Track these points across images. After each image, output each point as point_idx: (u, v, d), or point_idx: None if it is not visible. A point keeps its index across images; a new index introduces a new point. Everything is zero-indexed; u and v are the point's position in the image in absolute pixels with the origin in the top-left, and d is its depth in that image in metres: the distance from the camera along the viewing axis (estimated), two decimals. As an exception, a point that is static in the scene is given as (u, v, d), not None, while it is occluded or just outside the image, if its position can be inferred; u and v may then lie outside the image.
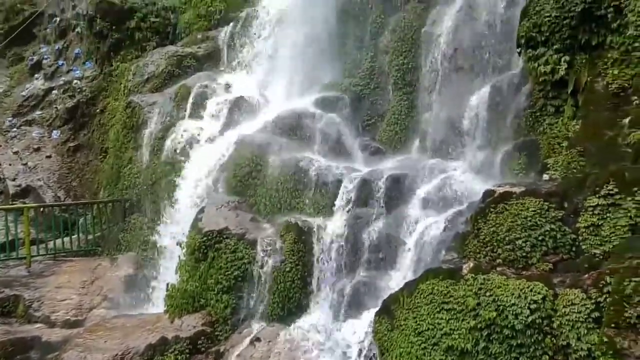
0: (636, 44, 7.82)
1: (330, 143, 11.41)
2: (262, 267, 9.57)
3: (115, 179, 13.83)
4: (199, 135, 12.44)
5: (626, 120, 7.86)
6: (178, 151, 12.39)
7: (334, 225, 9.57)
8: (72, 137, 16.15)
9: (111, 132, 14.80)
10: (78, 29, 16.90)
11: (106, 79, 16.03)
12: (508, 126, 9.70)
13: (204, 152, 12.05)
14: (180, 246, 10.46)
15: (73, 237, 13.45)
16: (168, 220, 11.82)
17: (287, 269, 9.41)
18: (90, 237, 13.53)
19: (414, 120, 11.51)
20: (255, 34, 14.22)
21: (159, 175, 12.52)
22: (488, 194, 8.06)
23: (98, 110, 15.95)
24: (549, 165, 8.65)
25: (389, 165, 10.58)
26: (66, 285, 11.50)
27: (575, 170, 8.05)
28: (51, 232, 13.46)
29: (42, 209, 13.95)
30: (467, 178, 9.50)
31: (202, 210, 10.66)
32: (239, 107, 12.66)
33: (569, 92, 8.88)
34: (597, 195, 7.21)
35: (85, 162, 15.81)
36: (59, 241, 13.30)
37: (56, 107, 16.34)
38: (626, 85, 8.14)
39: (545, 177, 8.51)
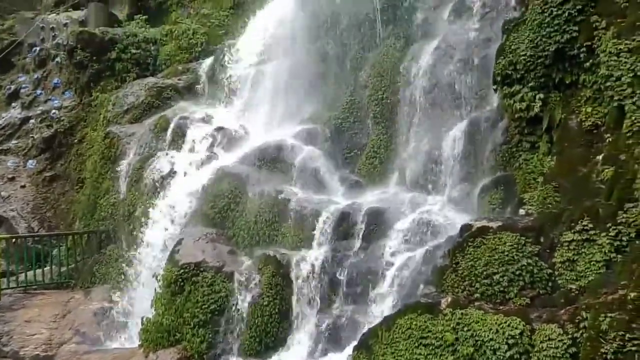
0: (608, 83, 8.03)
1: (310, 175, 11.41)
2: (239, 301, 9.45)
3: (92, 210, 13.65)
4: (177, 166, 12.37)
5: (599, 157, 8.03)
6: (156, 182, 12.28)
7: (313, 259, 9.53)
8: (49, 166, 15.96)
9: (89, 163, 14.67)
10: (58, 59, 16.87)
11: (85, 109, 15.96)
12: (485, 161, 9.84)
13: (182, 183, 11.96)
14: (157, 279, 10.29)
15: (45, 269, 13.16)
16: (144, 252, 11.65)
17: (265, 303, 9.31)
18: (63, 269, 13.25)
19: (393, 154, 11.59)
20: (236, 66, 14.30)
21: (136, 206, 12.38)
22: (466, 228, 8.13)
23: (76, 140, 15.82)
24: (525, 200, 8.77)
25: (368, 198, 10.60)
26: (36, 319, 11.21)
27: (550, 206, 8.17)
28: (23, 264, 13.16)
29: (14, 240, 13.65)
30: (445, 212, 9.57)
31: (179, 242, 10.54)
32: (218, 139, 12.66)
33: (544, 128, 9.08)
34: (572, 231, 7.33)
35: (61, 192, 15.59)
36: (30, 273, 13.00)
37: (33, 137, 16.18)
38: (599, 123, 8.35)
39: (522, 212, 8.63)
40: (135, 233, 12.06)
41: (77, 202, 14.92)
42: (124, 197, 12.88)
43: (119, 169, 13.24)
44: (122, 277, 11.89)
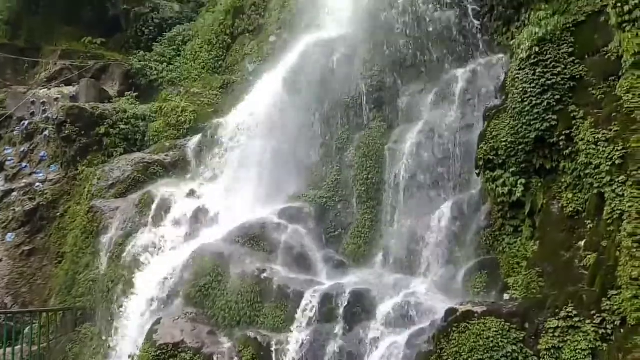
0: (587, 171, 8.22)
1: (294, 255, 11.31)
2: (217, 385, 9.12)
3: (69, 286, 13.33)
4: (160, 242, 12.25)
5: (581, 243, 8.11)
6: (137, 258, 12.10)
7: (294, 342, 9.29)
8: (28, 240, 15.65)
9: (70, 237, 14.46)
10: (46, 133, 16.96)
11: (70, 183, 15.90)
12: (469, 244, 9.88)
13: (163, 260, 11.81)
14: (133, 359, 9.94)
15: (16, 347, 12.64)
16: (122, 331, 11.30)
17: (244, 388, 8.98)
18: (35, 348, 12.73)
19: (378, 235, 11.60)
20: (223, 144, 14.46)
21: (116, 283, 12.12)
22: (450, 312, 8.05)
23: (58, 214, 15.63)
24: (509, 285, 8.75)
25: (352, 279, 10.50)
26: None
27: (535, 291, 8.15)
28: (-7, 342, 12.64)
29: (-16, 317, 13.16)
30: (430, 295, 9.48)
31: (158, 322, 10.28)
32: (202, 216, 12.61)
33: (527, 213, 9.18)
34: (557, 317, 7.27)
35: (39, 267, 15.22)
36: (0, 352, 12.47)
37: (14, 210, 15.99)
38: (580, 209, 8.47)
39: (506, 296, 8.58)
40: (113, 310, 11.74)
41: (54, 277, 14.56)
42: (104, 272, 12.63)
43: (100, 244, 13.05)
44: (97, 357, 11.45)
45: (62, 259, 14.54)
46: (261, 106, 13.88)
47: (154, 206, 13.07)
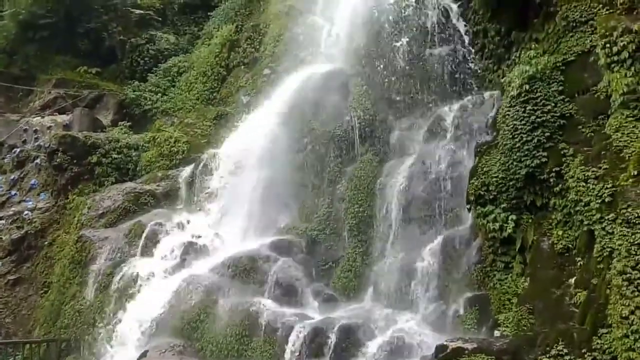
0: (577, 208, 8.26)
1: (283, 288, 11.22)
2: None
3: (55, 317, 13.10)
4: (149, 273, 12.11)
5: (572, 280, 8.10)
6: (125, 289, 11.95)
7: (283, 378, 9.15)
8: (14, 269, 15.41)
9: (57, 266, 14.28)
10: (37, 161, 16.90)
11: (59, 212, 15.77)
12: (460, 279, 9.84)
13: (152, 292, 11.66)
14: (116, 394, 9.73)
15: (-2, 379, 12.37)
16: (107, 363, 11.10)
17: None
18: (16, 380, 12.46)
19: (368, 268, 11.54)
20: (215, 175, 14.46)
21: (102, 314, 11.94)
22: (440, 349, 7.97)
23: (46, 243, 15.45)
24: (500, 321, 8.70)
25: (342, 314, 10.40)
26: None
27: (525, 328, 8.10)
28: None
29: (-35, 348, 12.87)
30: (420, 331, 9.39)
31: (144, 354, 10.13)
32: (192, 247, 12.53)
33: (517, 249, 9.18)
34: (547, 355, 7.23)
35: (24, 297, 14.96)
36: (-21, 383, 12.18)
37: (1, 238, 15.80)
38: (570, 246, 8.49)
39: (497, 333, 8.52)
40: (98, 342, 11.54)
41: (39, 307, 14.31)
42: (90, 303, 12.44)
43: (88, 274, 12.89)
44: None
45: (48, 289, 14.33)
46: (254, 138, 13.94)
47: (144, 236, 12.99)
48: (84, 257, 13.29)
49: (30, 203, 16.19)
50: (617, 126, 8.26)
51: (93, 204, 14.59)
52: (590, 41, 9.34)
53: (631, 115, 8.22)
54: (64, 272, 13.50)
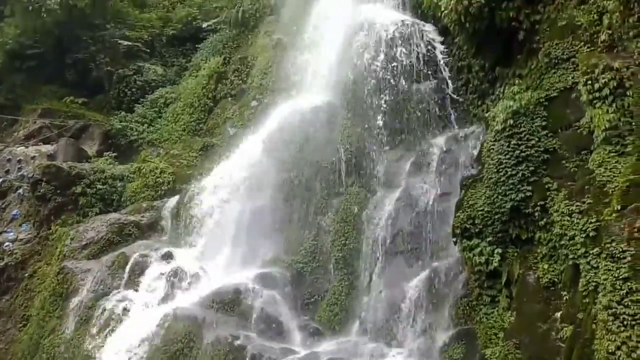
0: (562, 242, 8.31)
1: (268, 321, 11.09)
2: None
3: (33, 351, 12.80)
4: (132, 306, 11.92)
5: (558, 315, 8.10)
6: (107, 323, 11.73)
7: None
8: (-8, 302, 15.12)
9: (37, 299, 14.00)
10: (20, 191, 16.70)
11: (41, 243, 15.53)
12: (446, 313, 9.80)
13: (135, 325, 11.46)
14: None
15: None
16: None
17: None
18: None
19: (355, 302, 11.45)
20: (200, 206, 14.37)
21: (82, 348, 11.67)
22: (427, 384, 7.86)
23: (27, 275, 15.14)
24: (486, 356, 8.65)
25: (328, 348, 10.30)
26: None
27: (512, 364, 8.03)
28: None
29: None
30: (407, 366, 9.30)
31: (125, 391, 9.85)
32: (176, 279, 12.37)
33: (503, 283, 9.17)
34: (535, 392, 7.13)
35: (2, 330, 14.59)
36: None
37: (-20, 270, 15.50)
38: (556, 280, 8.51)
39: (484, 368, 8.44)
40: (78, 378, 11.28)
41: (18, 341, 13.95)
42: (70, 337, 12.17)
43: (69, 307, 12.64)
44: None
45: (27, 322, 14.01)
46: (240, 169, 13.93)
47: (127, 268, 12.81)
48: (65, 289, 13.05)
49: (12, 234, 15.94)
50: (600, 161, 8.37)
51: (76, 235, 14.40)
52: (573, 78, 9.51)
53: (613, 150, 8.34)
54: (44, 305, 13.22)
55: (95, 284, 12.84)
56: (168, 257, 13.16)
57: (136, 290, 12.37)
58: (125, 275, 12.71)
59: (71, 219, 15.48)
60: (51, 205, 15.59)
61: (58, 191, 15.61)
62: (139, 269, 12.72)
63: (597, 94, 8.51)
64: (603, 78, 8.47)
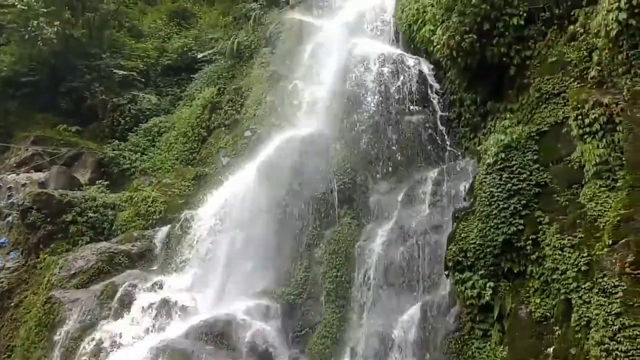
0: (554, 276, 8.29)
1: (259, 354, 10.93)
2: None
3: (17, 382, 12.52)
4: (119, 337, 11.71)
5: (550, 350, 8.04)
6: (94, 354, 11.50)
7: None
8: (-24, 332, 14.83)
9: (22, 329, 13.70)
10: (9, 219, 16.54)
11: (29, 271, 15.30)
12: (438, 347, 9.69)
13: (122, 357, 11.23)
14: None
15: None
16: None
17: None
18: None
19: (346, 334, 11.33)
20: (191, 236, 14.28)
21: (67, 381, 11.43)
22: (419, 421, 7.73)
23: (12, 304, 14.87)
24: (479, 393, 8.51)
25: (318, 382, 10.12)
26: None
27: (505, 400, 7.92)
28: None
29: None
30: (398, 401, 9.16)
31: None
32: (166, 310, 12.18)
33: (495, 317, 9.11)
34: None
35: (-15, 362, 14.33)
36: None
37: (-35, 299, 15.23)
38: (548, 314, 8.46)
39: (476, 404, 8.31)
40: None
41: (1, 373, 13.70)
42: (55, 369, 11.93)
43: (54, 338, 12.40)
44: None
45: (12, 353, 13.71)
46: (232, 199, 13.89)
47: (116, 298, 12.61)
48: (52, 319, 12.80)
49: (-1, 262, 15.74)
50: (591, 196, 8.42)
51: (65, 264, 14.20)
52: (563, 113, 9.64)
53: (604, 185, 8.41)
54: (29, 335, 12.95)
55: (82, 314, 12.61)
56: (158, 286, 13.01)
57: (125, 321, 12.16)
58: (114, 306, 12.51)
59: (61, 247, 15.29)
60: (41, 233, 15.41)
61: (48, 219, 15.45)
62: (128, 299, 12.53)
63: (587, 129, 8.61)
64: (593, 113, 8.58)
